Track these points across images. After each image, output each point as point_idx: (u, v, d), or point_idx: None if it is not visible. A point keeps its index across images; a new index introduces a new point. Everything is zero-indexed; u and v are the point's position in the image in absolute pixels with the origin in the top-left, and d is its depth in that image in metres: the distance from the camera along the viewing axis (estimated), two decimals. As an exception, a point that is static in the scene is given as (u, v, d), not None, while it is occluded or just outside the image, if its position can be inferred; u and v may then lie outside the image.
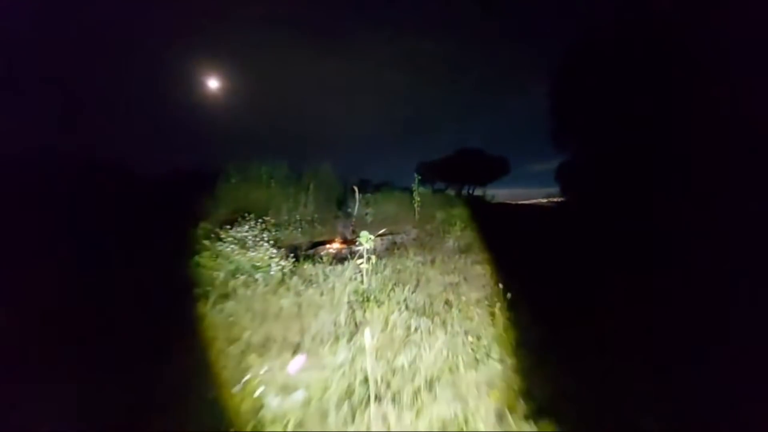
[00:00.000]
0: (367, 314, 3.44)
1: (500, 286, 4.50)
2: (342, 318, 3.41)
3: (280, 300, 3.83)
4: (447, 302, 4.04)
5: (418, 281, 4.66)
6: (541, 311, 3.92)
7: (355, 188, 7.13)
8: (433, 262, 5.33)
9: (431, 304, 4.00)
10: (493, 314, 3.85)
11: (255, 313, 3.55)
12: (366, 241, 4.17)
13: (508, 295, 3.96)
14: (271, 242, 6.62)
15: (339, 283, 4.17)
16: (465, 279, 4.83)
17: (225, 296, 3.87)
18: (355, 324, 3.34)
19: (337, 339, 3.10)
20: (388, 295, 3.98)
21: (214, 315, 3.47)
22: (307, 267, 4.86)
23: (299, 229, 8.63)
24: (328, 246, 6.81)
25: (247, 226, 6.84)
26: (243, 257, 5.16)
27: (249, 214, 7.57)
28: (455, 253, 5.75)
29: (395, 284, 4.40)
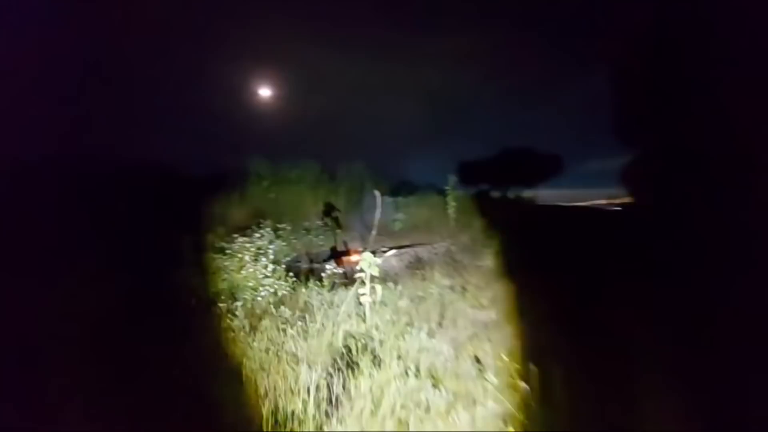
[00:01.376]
0: (353, 382, 2.30)
1: (557, 332, 3.13)
2: (314, 383, 2.31)
3: (253, 343, 2.84)
4: (477, 359, 2.77)
5: (441, 318, 3.43)
6: (620, 372, 2.53)
7: (377, 192, 6.01)
8: (464, 288, 4.04)
9: (456, 359, 2.77)
10: (548, 380, 2.53)
11: (208, 368, 2.58)
12: (369, 266, 3.03)
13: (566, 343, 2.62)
14: (278, 254, 5.77)
15: (332, 321, 3.08)
16: (506, 317, 3.50)
17: (183, 336, 2.95)
18: (331, 396, 2.22)
19: (300, 425, 2.02)
20: (394, 346, 2.80)
21: (156, 366, 2.55)
22: (305, 291, 3.84)
23: (321, 236, 7.75)
24: (344, 259, 5.80)
25: (258, 234, 6.04)
26: (237, 274, 4.30)
27: (265, 219, 6.82)
28: (494, 276, 4.40)
29: (408, 324, 3.21)
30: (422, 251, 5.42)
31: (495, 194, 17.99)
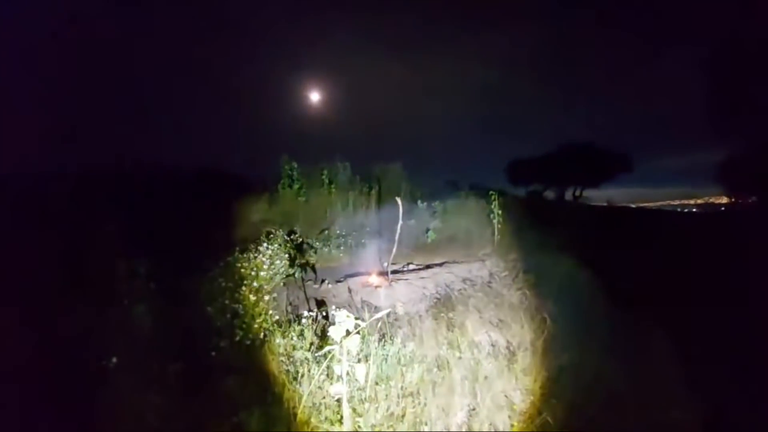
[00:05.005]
0: None
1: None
2: None
3: None
4: None
5: (469, 414, 2.06)
6: None
7: (398, 200, 4.71)
8: (512, 353, 2.59)
9: None
10: None
11: None
12: (342, 338, 1.76)
13: None
14: (284, 271, 4.75)
15: (286, 414, 1.87)
16: (570, 416, 2.02)
17: None
18: None
19: None
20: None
21: None
22: (279, 342, 2.68)
23: (341, 248, 6.61)
24: (361, 281, 4.59)
25: (266, 246, 5.07)
26: (212, 306, 3.28)
27: (278, 229, 5.85)
28: (559, 326, 2.87)
29: (414, 426, 1.90)
30: (454, 278, 4.01)
31: (550, 195, 15.54)
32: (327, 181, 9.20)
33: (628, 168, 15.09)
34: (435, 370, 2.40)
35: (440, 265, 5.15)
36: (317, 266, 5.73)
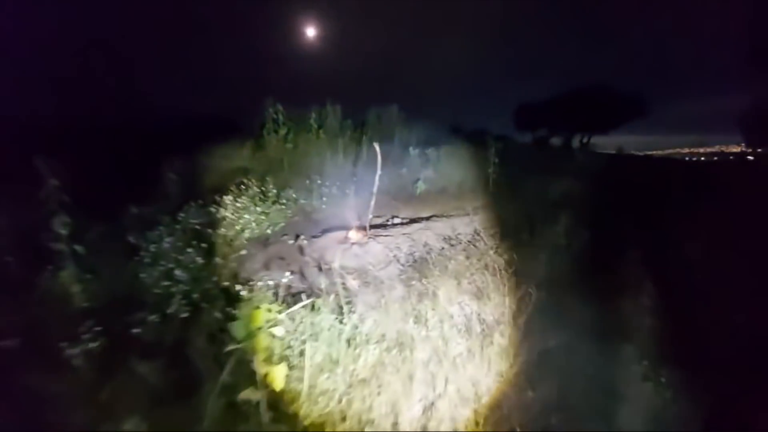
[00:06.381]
0: None
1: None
2: None
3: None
4: None
5: (427, 413, 1.68)
6: None
7: (377, 146, 4.04)
8: (487, 334, 2.16)
9: None
10: None
11: None
12: (247, 336, 1.26)
13: None
14: (260, 224, 4.32)
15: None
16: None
17: None
18: None
19: None
20: None
21: None
22: (217, 317, 2.26)
23: (323, 199, 6.06)
24: (337, 236, 4.13)
25: (230, 199, 4.54)
26: (153, 270, 2.83)
27: (250, 179, 5.26)
28: (547, 298, 2.41)
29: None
30: (434, 236, 3.51)
31: (556, 142, 14.46)
32: (316, 126, 8.31)
33: (639, 114, 13.74)
34: (395, 351, 1.99)
35: (427, 218, 4.64)
36: (297, 219, 5.27)
